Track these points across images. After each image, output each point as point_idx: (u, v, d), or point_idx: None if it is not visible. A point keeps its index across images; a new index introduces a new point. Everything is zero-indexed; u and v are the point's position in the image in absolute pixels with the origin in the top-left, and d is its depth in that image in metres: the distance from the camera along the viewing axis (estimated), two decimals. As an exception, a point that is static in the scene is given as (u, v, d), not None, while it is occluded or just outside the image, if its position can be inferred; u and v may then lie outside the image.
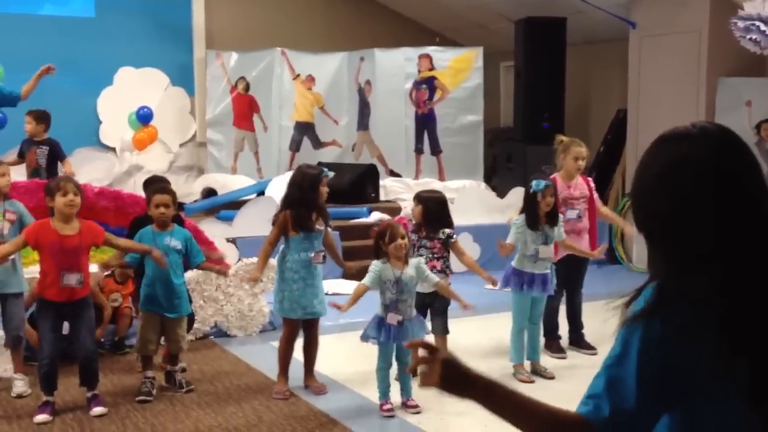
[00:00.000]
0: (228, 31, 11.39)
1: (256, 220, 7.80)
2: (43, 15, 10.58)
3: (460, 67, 10.75)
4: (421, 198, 5.23)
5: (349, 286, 7.39)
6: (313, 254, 4.83)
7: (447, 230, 5.10)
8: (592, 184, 6.00)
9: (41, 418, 4.37)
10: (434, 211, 5.10)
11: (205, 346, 5.96)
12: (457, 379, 1.54)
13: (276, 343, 5.06)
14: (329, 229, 5.07)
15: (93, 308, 4.79)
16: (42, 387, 4.48)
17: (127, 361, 5.46)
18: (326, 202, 5.03)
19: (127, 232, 5.27)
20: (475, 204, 9.38)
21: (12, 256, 4.64)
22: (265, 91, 10.92)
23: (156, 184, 5.25)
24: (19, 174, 6.80)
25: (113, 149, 10.83)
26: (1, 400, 4.75)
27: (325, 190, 4.92)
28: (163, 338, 4.97)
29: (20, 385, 4.82)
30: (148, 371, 4.86)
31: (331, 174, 5.03)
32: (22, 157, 7.48)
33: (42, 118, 7.49)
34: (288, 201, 4.88)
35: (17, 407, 4.63)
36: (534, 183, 5.21)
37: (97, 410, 4.49)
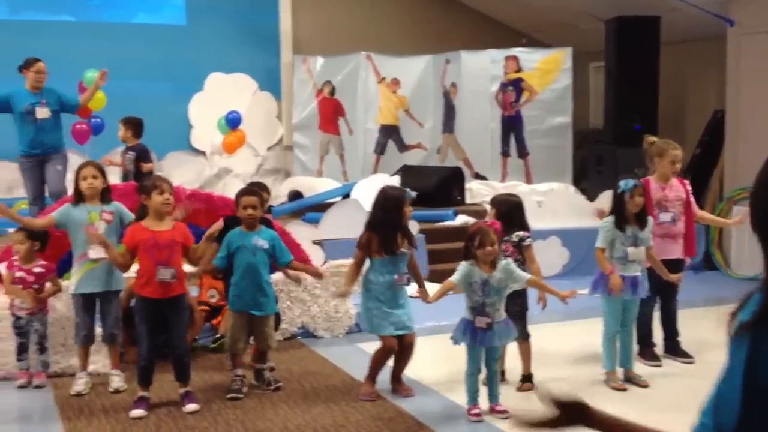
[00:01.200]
0: (314, 35, 11.51)
1: (342, 223, 7.84)
2: (137, 23, 10.91)
3: (548, 68, 10.57)
4: (494, 201, 5.17)
5: (431, 290, 7.34)
6: (397, 276, 4.81)
7: (521, 233, 5.00)
8: (689, 187, 5.78)
9: (137, 413, 4.48)
10: (507, 213, 5.01)
11: (293, 346, 6.01)
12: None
13: (362, 345, 5.06)
14: (414, 251, 5.02)
15: (188, 307, 4.89)
16: (139, 381, 4.61)
17: (218, 359, 5.54)
18: (411, 204, 4.99)
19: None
20: (563, 207, 9.20)
21: (105, 257, 4.79)
22: (350, 95, 10.99)
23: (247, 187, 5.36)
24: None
25: (203, 153, 11.08)
26: (99, 395, 4.89)
27: (409, 210, 4.89)
28: (252, 337, 5.04)
29: (117, 380, 4.96)
30: (238, 369, 4.93)
31: (414, 194, 5.01)
32: None
33: (131, 124, 7.73)
34: (372, 223, 4.87)
35: (114, 402, 4.76)
36: (622, 183, 5.08)
37: (190, 407, 4.57)
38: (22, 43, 9.61)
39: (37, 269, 5.11)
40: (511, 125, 10.63)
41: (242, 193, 5.04)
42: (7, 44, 9.51)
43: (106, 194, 5.00)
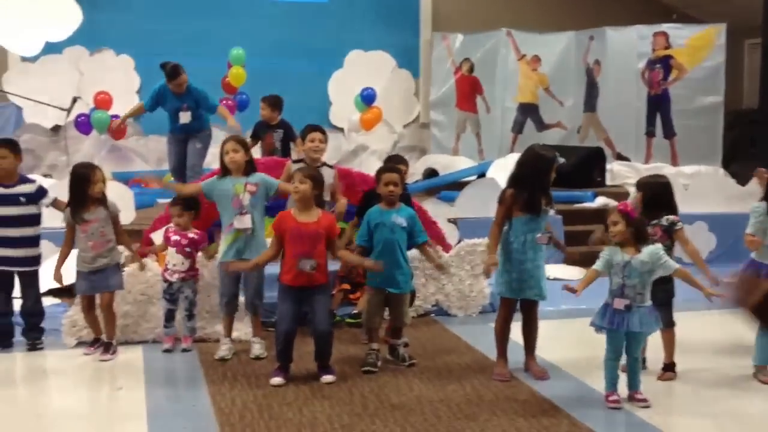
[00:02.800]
0: (454, 12, 11.43)
1: (478, 202, 7.78)
2: (282, 1, 11.17)
3: (699, 45, 10.06)
4: (640, 183, 4.95)
5: (569, 272, 7.19)
6: (539, 235, 4.71)
7: (671, 217, 4.77)
8: None
9: (276, 380, 4.62)
10: (654, 195, 4.79)
11: (426, 323, 6.02)
12: None
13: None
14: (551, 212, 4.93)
15: (329, 293, 4.97)
16: (278, 359, 4.74)
17: (354, 333, 5.63)
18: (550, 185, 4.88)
19: (358, 206, 5.51)
20: (711, 191, 8.75)
21: (250, 227, 4.97)
22: (489, 73, 10.86)
23: (388, 164, 5.40)
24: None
25: (341, 129, 11.25)
26: (241, 361, 5.08)
27: (553, 175, 4.78)
28: (387, 312, 5.08)
29: (258, 348, 5.14)
30: (373, 344, 4.99)
31: (563, 160, 4.87)
32: (255, 138, 7.95)
33: (275, 103, 7.94)
34: (516, 180, 4.77)
35: (255, 368, 4.92)
36: (780, 165, 4.75)
37: (327, 378, 4.67)
38: (174, 22, 10.08)
39: (191, 235, 5.35)
40: (658, 104, 10.21)
41: (383, 170, 5.06)
42: (161, 23, 9.97)
43: (249, 167, 5.15)
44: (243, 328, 5.40)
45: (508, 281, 4.77)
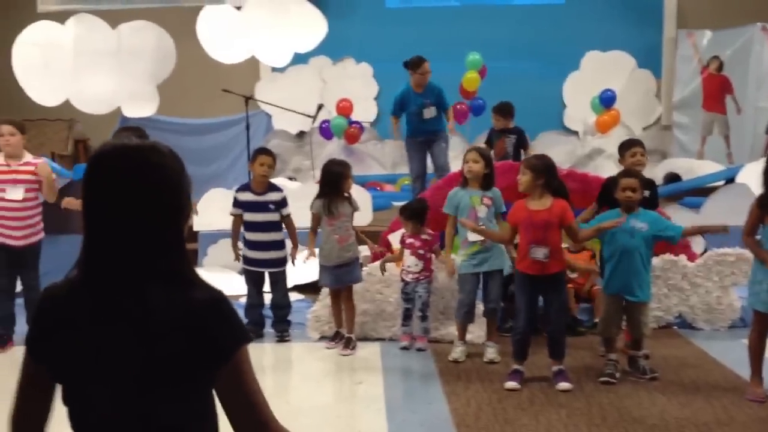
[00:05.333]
0: (701, 8, 10.76)
1: (727, 209, 7.23)
2: (517, 4, 11.12)
3: None
4: None
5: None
6: None
7: None
8: None
9: (510, 384, 4.59)
10: None
11: (668, 335, 5.70)
12: None
13: (747, 341, 4.61)
14: None
15: (566, 285, 4.88)
16: (514, 354, 4.71)
17: (589, 341, 5.45)
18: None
19: (599, 194, 5.34)
20: None
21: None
22: (740, 71, 10.09)
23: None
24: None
25: (576, 133, 10.97)
26: (475, 364, 5.09)
27: None
28: (624, 322, 4.88)
29: (491, 351, 5.12)
30: (611, 354, 4.80)
31: None
32: (488, 144, 7.91)
33: (506, 111, 7.84)
34: None
35: (489, 371, 4.92)
36: None
37: (563, 385, 4.56)
38: (412, 30, 10.34)
39: (424, 236, 5.46)
40: None
41: (622, 174, 4.87)
42: (399, 31, 10.29)
43: (487, 180, 5.16)
44: (476, 331, 5.41)
45: (761, 293, 4.39)
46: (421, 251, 5.44)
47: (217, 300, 1.56)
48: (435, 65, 7.74)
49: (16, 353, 5.56)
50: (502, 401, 4.39)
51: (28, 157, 5.62)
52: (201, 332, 1.52)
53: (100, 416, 1.54)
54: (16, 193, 5.52)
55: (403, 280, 5.50)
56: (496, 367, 4.99)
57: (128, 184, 1.52)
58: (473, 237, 5.06)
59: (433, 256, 5.49)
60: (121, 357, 1.51)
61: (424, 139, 7.82)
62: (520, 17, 10.91)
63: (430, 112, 7.69)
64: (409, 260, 5.47)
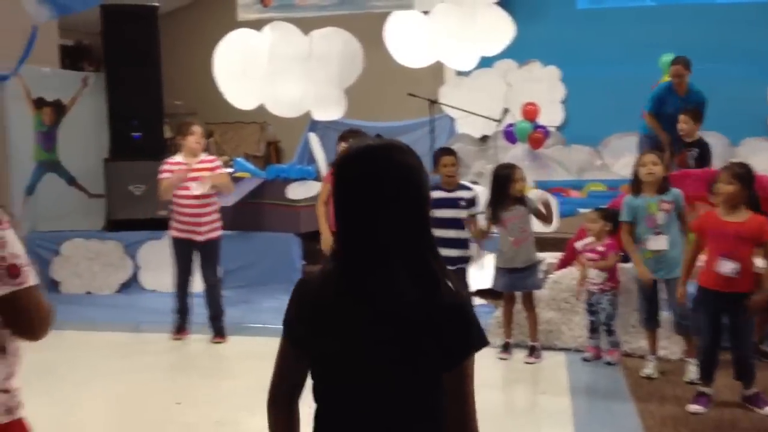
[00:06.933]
0: None
1: None
2: (718, 3, 10.45)
3: None
4: None
5: None
6: None
7: None
8: None
9: (695, 408, 4.23)
10: None
11: None
12: None
13: None
14: None
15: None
16: (700, 375, 4.38)
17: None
18: None
19: None
20: None
21: (665, 249, 4.73)
22: None
23: None
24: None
25: (782, 139, 10.16)
26: (669, 381, 4.75)
27: None
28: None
29: (693, 370, 4.71)
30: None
31: None
32: (671, 153, 7.38)
33: (696, 116, 7.15)
34: None
35: (685, 390, 4.56)
36: None
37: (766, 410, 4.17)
38: (603, 31, 9.99)
39: (600, 248, 5.20)
40: None
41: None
42: (590, 33, 9.96)
43: (665, 183, 4.84)
44: (670, 347, 5.09)
45: None
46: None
47: (462, 302, 1.59)
48: (628, 68, 7.41)
49: (192, 339, 6.03)
50: (702, 423, 4.07)
51: (202, 155, 5.97)
52: (442, 331, 1.54)
53: (346, 403, 1.61)
54: (201, 188, 5.84)
55: (587, 290, 5.27)
56: (697, 386, 4.63)
57: (377, 181, 1.59)
58: (654, 245, 4.76)
59: (619, 265, 5.23)
60: (365, 343, 1.57)
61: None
62: (721, 16, 10.24)
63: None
64: (591, 272, 5.24)
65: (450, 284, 1.59)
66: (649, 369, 4.88)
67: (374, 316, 1.56)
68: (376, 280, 1.57)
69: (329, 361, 1.61)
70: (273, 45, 8.59)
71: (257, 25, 8.73)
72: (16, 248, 1.82)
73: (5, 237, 1.81)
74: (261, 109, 8.81)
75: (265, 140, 11.00)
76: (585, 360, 5.23)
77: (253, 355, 4.97)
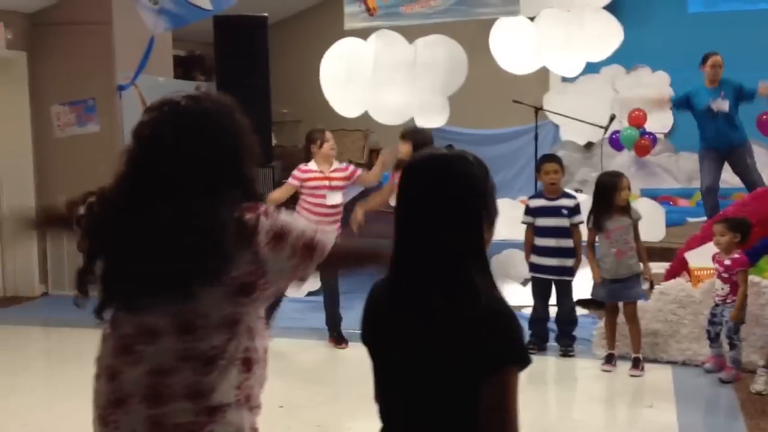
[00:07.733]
0: None
1: None
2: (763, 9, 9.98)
3: None
4: None
5: None
6: None
7: None
8: None
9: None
10: None
11: None
12: None
13: None
14: None
15: None
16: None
17: None
18: None
19: None
20: None
21: None
22: None
23: None
24: None
25: None
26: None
27: None
28: None
29: (761, 382, 4.55)
30: None
31: None
32: None
33: None
34: None
35: None
36: None
37: None
38: (715, 36, 9.66)
39: (727, 261, 5.01)
40: None
41: None
42: (701, 38, 9.65)
43: None
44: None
45: None
46: (725, 275, 5.01)
47: (498, 313, 1.55)
48: (742, 75, 7.16)
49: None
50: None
51: (336, 163, 6.01)
52: (477, 341, 1.51)
53: (390, 409, 1.68)
54: (336, 198, 5.89)
55: (714, 301, 5.11)
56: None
57: (433, 189, 1.60)
58: None
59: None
60: (404, 352, 1.60)
61: (721, 148, 7.22)
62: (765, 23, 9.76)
63: (718, 104, 7.09)
64: (717, 283, 5.08)
65: (496, 296, 1.57)
66: (759, 384, 4.71)
67: (413, 325, 1.58)
68: (418, 290, 1.59)
69: (376, 364, 1.69)
70: (378, 53, 8.71)
71: (364, 34, 8.87)
72: (295, 225, 1.82)
73: (280, 221, 1.81)
74: (365, 117, 8.94)
75: (368, 148, 11.13)
76: (707, 371, 5.06)
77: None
